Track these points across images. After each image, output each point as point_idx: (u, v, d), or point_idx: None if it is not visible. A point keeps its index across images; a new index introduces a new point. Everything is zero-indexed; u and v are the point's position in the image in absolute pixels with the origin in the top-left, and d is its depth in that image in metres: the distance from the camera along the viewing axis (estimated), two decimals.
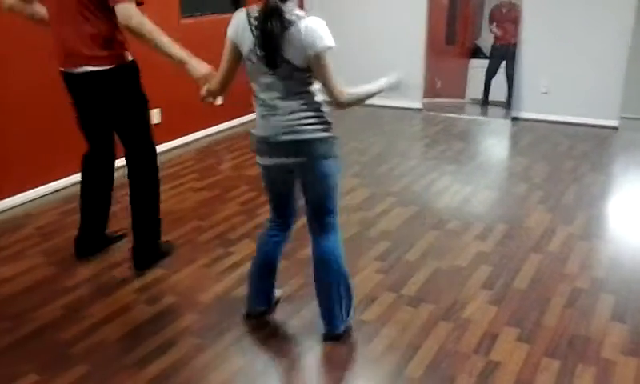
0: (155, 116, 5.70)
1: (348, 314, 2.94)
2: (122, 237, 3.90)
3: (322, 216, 2.86)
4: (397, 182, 5.04)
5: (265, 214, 3.52)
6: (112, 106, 3.40)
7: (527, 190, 4.83)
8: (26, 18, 3.48)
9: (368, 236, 4.03)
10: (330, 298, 2.86)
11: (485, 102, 7.56)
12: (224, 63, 2.74)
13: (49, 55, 3.43)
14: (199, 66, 3.16)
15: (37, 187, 4.69)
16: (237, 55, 2.68)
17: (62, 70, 3.36)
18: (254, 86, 2.69)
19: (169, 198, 4.68)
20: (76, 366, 2.72)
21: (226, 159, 5.65)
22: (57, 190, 4.76)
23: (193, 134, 6.23)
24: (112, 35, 3.27)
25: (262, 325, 3.03)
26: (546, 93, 6.82)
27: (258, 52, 2.56)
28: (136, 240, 3.58)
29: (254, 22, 2.55)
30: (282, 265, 3.49)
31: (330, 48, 2.55)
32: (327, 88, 2.62)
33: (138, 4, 3.16)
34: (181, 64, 3.20)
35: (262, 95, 2.66)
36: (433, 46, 7.37)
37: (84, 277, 3.52)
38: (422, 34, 7.26)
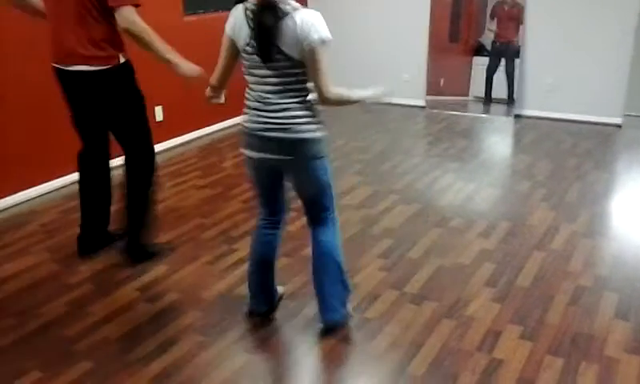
0: (158, 114, 5.71)
1: (344, 306, 2.94)
2: (125, 234, 3.90)
3: (317, 213, 2.89)
4: (400, 179, 5.04)
5: None
6: (105, 107, 3.43)
7: (530, 188, 4.82)
8: (22, 8, 3.52)
9: (371, 234, 4.03)
10: (324, 289, 2.87)
11: (487, 100, 7.54)
12: (222, 59, 2.76)
13: (48, 53, 3.44)
14: (189, 68, 3.33)
15: (40, 184, 4.71)
16: (234, 51, 2.70)
17: (55, 65, 3.38)
18: (249, 79, 2.70)
19: (171, 196, 4.69)
20: (79, 362, 2.73)
21: (228, 157, 5.65)
22: (60, 187, 4.77)
23: (195, 132, 6.24)
24: (108, 36, 3.29)
25: (265, 322, 3.03)
26: (549, 90, 6.80)
27: (253, 44, 2.57)
28: (128, 238, 3.63)
29: (250, 15, 2.56)
30: (284, 262, 3.52)
31: (325, 41, 2.54)
32: (317, 82, 2.60)
33: (136, 6, 3.19)
34: (174, 67, 3.31)
35: (256, 88, 2.67)
36: (436, 44, 7.36)
37: (87, 274, 3.53)
38: (425, 32, 7.25)
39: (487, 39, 7.63)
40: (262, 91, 2.65)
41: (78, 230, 3.76)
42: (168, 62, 3.29)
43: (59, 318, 3.09)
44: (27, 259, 3.69)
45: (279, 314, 3.09)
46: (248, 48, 2.60)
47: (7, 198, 4.48)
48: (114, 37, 3.32)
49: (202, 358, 2.77)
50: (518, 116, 6.96)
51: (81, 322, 3.04)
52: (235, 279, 3.43)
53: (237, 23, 2.62)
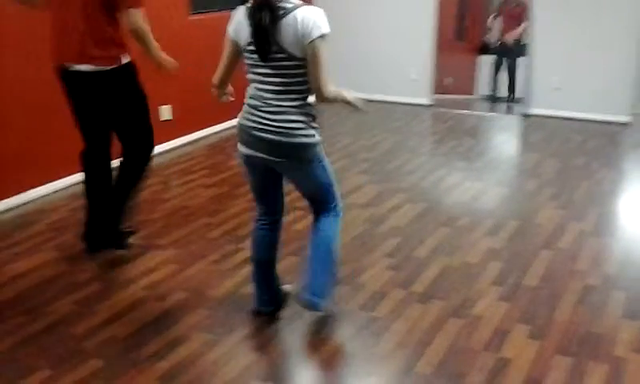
0: (166, 113, 5.72)
1: (324, 297, 2.90)
2: (133, 232, 3.92)
3: (319, 206, 2.91)
4: (406, 178, 5.03)
5: None
6: (109, 106, 3.46)
7: (538, 187, 4.81)
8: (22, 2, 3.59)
9: (377, 233, 4.03)
10: (314, 274, 2.87)
11: (494, 98, 7.54)
12: (223, 59, 2.78)
13: (49, 52, 3.46)
14: (170, 62, 3.61)
15: (47, 183, 4.72)
16: (235, 51, 2.72)
17: (59, 65, 3.40)
18: (250, 77, 2.71)
19: (179, 195, 4.70)
20: (88, 361, 2.74)
21: (235, 156, 5.65)
22: (67, 186, 4.78)
23: (203, 130, 6.24)
24: (113, 36, 3.34)
25: (272, 321, 3.04)
26: (557, 89, 6.77)
27: (253, 43, 2.59)
28: (105, 222, 3.68)
29: (249, 15, 2.59)
30: (291, 261, 3.52)
31: (325, 35, 2.54)
32: (316, 78, 2.60)
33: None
34: (163, 63, 3.58)
35: (256, 86, 2.69)
36: (442, 42, 7.35)
37: (95, 272, 3.54)
38: (431, 30, 7.24)
39: (493, 38, 7.64)
40: (262, 91, 2.66)
41: (84, 229, 3.76)
42: (160, 60, 3.53)
43: (67, 316, 3.10)
44: (35, 258, 3.70)
45: (286, 313, 3.09)
46: (249, 47, 2.63)
47: (15, 197, 4.49)
48: (118, 37, 3.36)
49: (209, 356, 2.78)
50: (525, 114, 6.95)
51: (89, 321, 3.05)
52: (242, 278, 3.44)
53: (238, 24, 2.65)
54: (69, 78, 3.41)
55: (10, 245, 3.89)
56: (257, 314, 3.08)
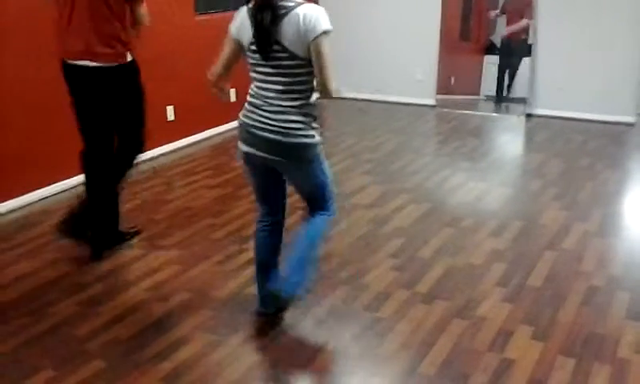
0: (169, 113, 5.73)
1: (294, 290, 2.90)
2: (137, 233, 3.92)
3: (314, 206, 2.91)
4: (410, 178, 5.02)
5: None
6: (110, 103, 3.47)
7: (542, 187, 4.80)
8: None
9: (381, 233, 4.02)
10: (290, 264, 2.87)
11: (499, 99, 7.52)
12: (222, 56, 2.79)
13: (50, 51, 3.48)
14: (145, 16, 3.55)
15: (51, 185, 4.72)
16: (235, 49, 2.73)
17: (64, 60, 3.41)
18: (252, 76, 2.72)
19: (183, 196, 4.70)
20: (91, 362, 2.74)
21: (236, 155, 5.64)
22: (71, 187, 4.78)
23: (206, 131, 6.25)
24: (118, 34, 3.37)
25: (275, 322, 3.03)
26: (561, 89, 6.75)
27: (255, 43, 2.60)
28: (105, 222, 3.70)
29: (251, 14, 2.60)
30: None
31: (327, 32, 2.55)
32: (321, 76, 2.60)
33: None
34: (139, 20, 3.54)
35: (259, 85, 2.70)
36: (447, 42, 7.33)
37: (98, 273, 3.54)
38: (436, 30, 7.23)
39: (498, 38, 7.62)
40: (263, 90, 2.67)
41: (66, 217, 3.74)
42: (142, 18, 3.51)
43: (71, 317, 3.11)
44: (38, 259, 3.71)
45: (289, 314, 3.08)
46: (251, 47, 2.64)
47: (19, 199, 4.50)
48: (124, 35, 3.38)
49: (212, 357, 2.77)
50: (529, 115, 6.93)
51: (92, 322, 3.06)
52: (246, 279, 3.43)
53: (241, 23, 2.66)
54: (72, 73, 3.42)
55: (13, 246, 3.90)
56: (260, 314, 3.08)
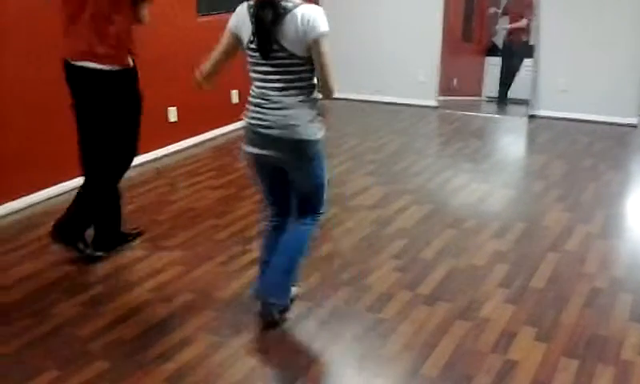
0: (172, 114, 5.73)
1: (279, 296, 2.95)
2: (139, 234, 3.93)
3: (304, 210, 2.92)
4: (413, 180, 5.02)
5: None
6: (108, 106, 3.45)
7: (545, 189, 4.80)
8: None
9: (384, 234, 4.02)
10: (274, 269, 2.91)
11: (501, 100, 7.52)
12: (219, 47, 2.79)
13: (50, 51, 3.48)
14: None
15: (53, 186, 4.72)
16: (233, 44, 2.74)
17: (66, 60, 3.42)
18: (252, 75, 2.73)
19: (186, 196, 4.71)
20: (95, 362, 2.74)
21: (240, 157, 5.65)
22: (73, 189, 4.77)
23: (209, 132, 6.25)
24: (121, 37, 3.36)
25: (279, 323, 3.03)
26: (564, 90, 6.74)
27: (255, 40, 2.60)
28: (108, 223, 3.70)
29: (251, 12, 2.61)
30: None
31: (324, 34, 2.56)
32: (322, 75, 2.62)
33: None
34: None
35: (259, 85, 2.71)
36: (449, 44, 7.33)
37: (101, 274, 3.55)
38: (438, 31, 7.22)
39: (500, 39, 7.62)
40: (264, 88, 2.68)
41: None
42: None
43: (74, 318, 3.11)
44: (41, 260, 3.71)
45: (293, 315, 3.09)
46: (251, 45, 2.64)
47: (20, 200, 4.50)
48: (127, 38, 3.38)
49: (215, 358, 2.78)
50: (531, 116, 6.92)
51: (95, 322, 3.06)
52: (249, 279, 3.43)
53: (240, 20, 2.68)
54: (72, 74, 3.42)
55: (16, 247, 3.90)
56: (263, 315, 3.07)
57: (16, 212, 4.44)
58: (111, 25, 3.30)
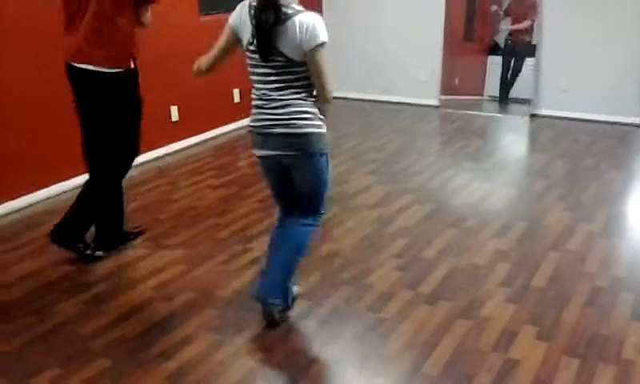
0: (173, 113, 5.74)
1: (279, 297, 2.95)
2: (141, 233, 3.93)
3: (306, 210, 2.91)
4: (414, 179, 5.02)
5: None
6: (104, 108, 3.45)
7: (546, 188, 4.79)
8: None
9: (385, 233, 4.02)
10: (274, 270, 2.92)
11: (502, 99, 7.51)
12: (219, 43, 2.80)
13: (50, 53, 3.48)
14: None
15: (54, 185, 4.73)
16: (232, 40, 2.75)
17: (68, 62, 3.42)
18: (252, 78, 2.73)
19: (187, 195, 4.71)
20: (96, 360, 2.75)
21: (243, 156, 5.65)
22: (74, 188, 4.78)
23: (211, 131, 6.25)
24: (121, 39, 3.36)
25: (280, 322, 3.03)
26: (565, 89, 6.73)
27: (254, 43, 2.60)
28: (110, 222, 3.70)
29: (253, 13, 2.61)
30: (301, 263, 3.51)
31: (323, 43, 2.57)
32: (319, 83, 2.64)
33: None
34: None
35: (259, 86, 2.72)
36: (451, 43, 7.33)
37: (102, 273, 3.55)
38: (439, 31, 7.22)
39: (502, 38, 7.62)
40: (264, 89, 2.69)
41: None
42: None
43: (75, 316, 3.12)
44: (42, 259, 3.72)
45: (294, 314, 3.09)
46: (251, 46, 2.65)
47: (22, 199, 4.51)
48: (129, 40, 3.38)
49: (216, 357, 2.78)
50: (533, 115, 6.91)
51: (97, 320, 3.06)
52: (250, 278, 3.44)
53: (241, 20, 2.68)
54: (73, 75, 3.42)
55: (17, 246, 3.91)
56: (264, 314, 3.07)
57: (17, 211, 4.45)
58: (113, 26, 3.30)
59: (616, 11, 6.36)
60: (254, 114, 2.75)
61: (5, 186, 4.39)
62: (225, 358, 2.77)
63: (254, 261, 3.64)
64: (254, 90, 2.75)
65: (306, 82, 2.67)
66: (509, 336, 2.90)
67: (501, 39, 7.63)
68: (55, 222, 3.61)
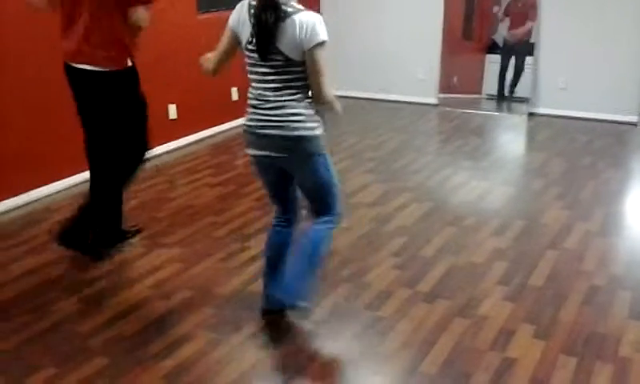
0: (171, 112, 5.74)
1: (299, 299, 2.89)
2: (138, 231, 3.93)
3: (319, 210, 2.89)
4: (412, 177, 5.02)
5: None
6: (104, 108, 3.45)
7: (544, 186, 4.80)
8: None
9: (383, 232, 4.02)
10: (293, 272, 2.87)
11: (501, 98, 7.51)
12: (221, 46, 2.79)
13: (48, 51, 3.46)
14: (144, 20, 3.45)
15: (54, 182, 4.73)
16: (233, 41, 2.74)
17: (66, 62, 3.41)
18: (250, 77, 2.73)
19: (184, 194, 4.71)
20: (94, 358, 2.75)
21: (240, 155, 5.65)
22: (74, 185, 4.79)
23: (208, 130, 6.25)
24: (119, 38, 3.35)
25: (278, 320, 3.03)
26: (563, 88, 6.74)
27: (254, 42, 2.60)
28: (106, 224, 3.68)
29: (252, 12, 2.60)
30: None
31: (323, 42, 2.56)
32: (315, 83, 2.62)
33: None
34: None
35: (256, 85, 2.71)
36: (449, 41, 7.32)
37: (101, 271, 3.55)
38: (438, 29, 7.22)
39: (500, 37, 7.61)
40: (261, 89, 2.68)
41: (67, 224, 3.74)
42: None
43: (73, 314, 3.11)
44: (41, 257, 3.72)
45: (292, 313, 3.08)
46: (249, 46, 2.64)
47: (22, 196, 4.51)
48: (126, 39, 3.36)
49: (214, 355, 2.78)
50: (531, 114, 6.92)
51: (94, 319, 3.06)
52: (248, 276, 3.44)
53: (240, 19, 2.67)
54: (72, 76, 3.42)
55: (16, 243, 3.91)
56: (262, 312, 3.08)
57: (17, 208, 4.44)
58: (110, 25, 3.29)
59: (614, 10, 6.36)
60: (250, 114, 2.75)
61: (5, 184, 4.39)
62: (222, 356, 2.77)
63: (251, 259, 3.64)
64: (250, 90, 2.75)
65: (304, 83, 2.66)
66: (506, 334, 2.90)
67: (499, 38, 7.62)
68: (60, 223, 3.61)
